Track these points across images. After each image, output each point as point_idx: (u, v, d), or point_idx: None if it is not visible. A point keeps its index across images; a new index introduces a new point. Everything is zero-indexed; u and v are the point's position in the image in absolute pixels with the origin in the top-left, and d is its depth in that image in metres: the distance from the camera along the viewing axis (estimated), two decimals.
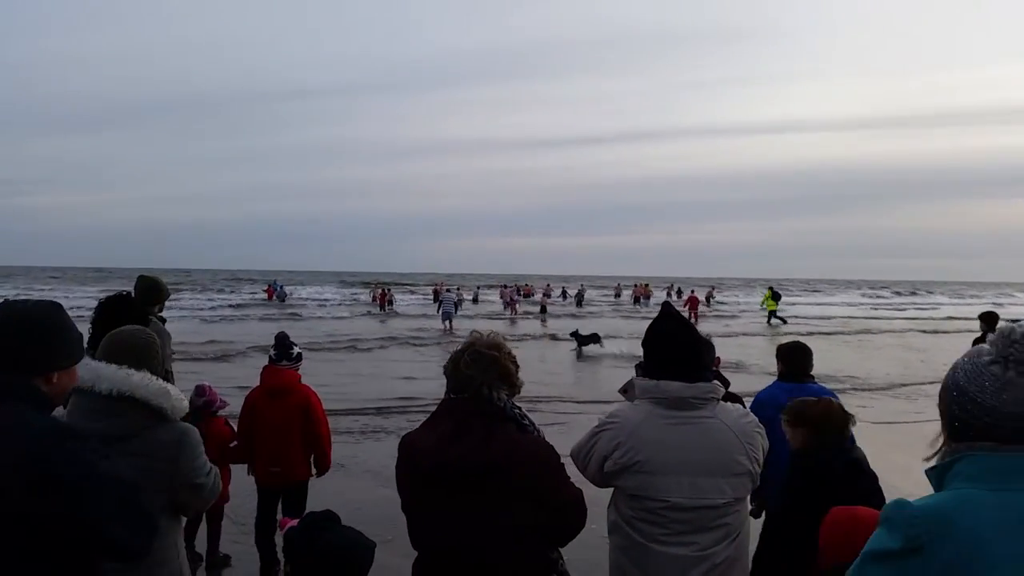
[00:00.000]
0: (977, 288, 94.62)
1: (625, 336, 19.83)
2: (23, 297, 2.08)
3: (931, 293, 74.67)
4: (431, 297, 39.34)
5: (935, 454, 1.31)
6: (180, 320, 23.72)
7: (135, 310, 3.85)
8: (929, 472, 1.31)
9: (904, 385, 13.17)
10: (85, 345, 3.72)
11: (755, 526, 2.70)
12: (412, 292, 50.09)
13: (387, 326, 25.46)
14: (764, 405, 3.68)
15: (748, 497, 2.33)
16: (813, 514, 2.30)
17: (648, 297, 45.31)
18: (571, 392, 11.72)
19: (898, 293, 72.78)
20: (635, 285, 51.86)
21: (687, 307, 31.13)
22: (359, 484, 6.49)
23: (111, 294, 4.06)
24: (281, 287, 44.52)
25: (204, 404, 4.60)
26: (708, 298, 47.52)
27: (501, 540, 2.00)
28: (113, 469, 1.67)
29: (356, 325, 25.38)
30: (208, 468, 2.36)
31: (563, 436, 2.54)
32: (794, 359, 4.05)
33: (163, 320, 4.46)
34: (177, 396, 2.30)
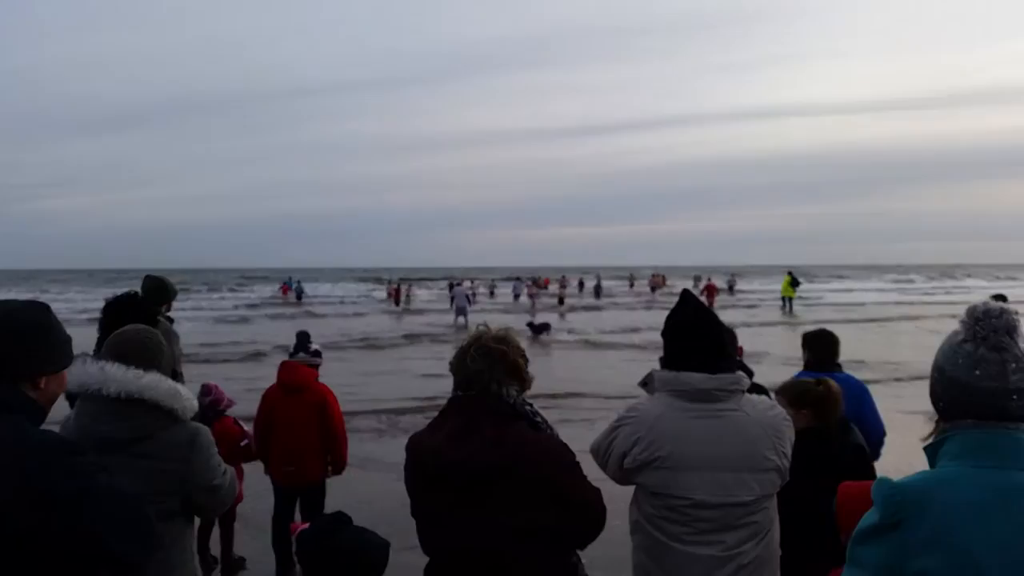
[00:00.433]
0: (1011, 270, 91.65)
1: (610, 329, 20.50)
2: (39, 299, 2.02)
3: (969, 276, 72.27)
4: (447, 291, 39.45)
5: (930, 434, 1.36)
6: (195, 321, 23.96)
7: (143, 310, 3.80)
8: (925, 451, 1.35)
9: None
10: (94, 346, 3.73)
11: None
12: (429, 288, 50.09)
13: (403, 323, 25.45)
14: None
15: (775, 494, 2.21)
16: (818, 500, 2.28)
17: (660, 287, 45.24)
18: (595, 388, 11.48)
19: (931, 278, 70.73)
20: (652, 275, 51.69)
21: (705, 295, 30.71)
22: (379, 483, 6.43)
23: (118, 294, 4.02)
24: (298, 283, 44.26)
25: (210, 403, 4.55)
26: (731, 286, 47.14)
27: (515, 543, 1.90)
28: (113, 483, 1.65)
29: (372, 322, 25.39)
30: (223, 468, 2.31)
31: (592, 433, 2.45)
32: (821, 347, 3.93)
33: (171, 320, 4.41)
34: (187, 396, 2.25)
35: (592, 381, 12.10)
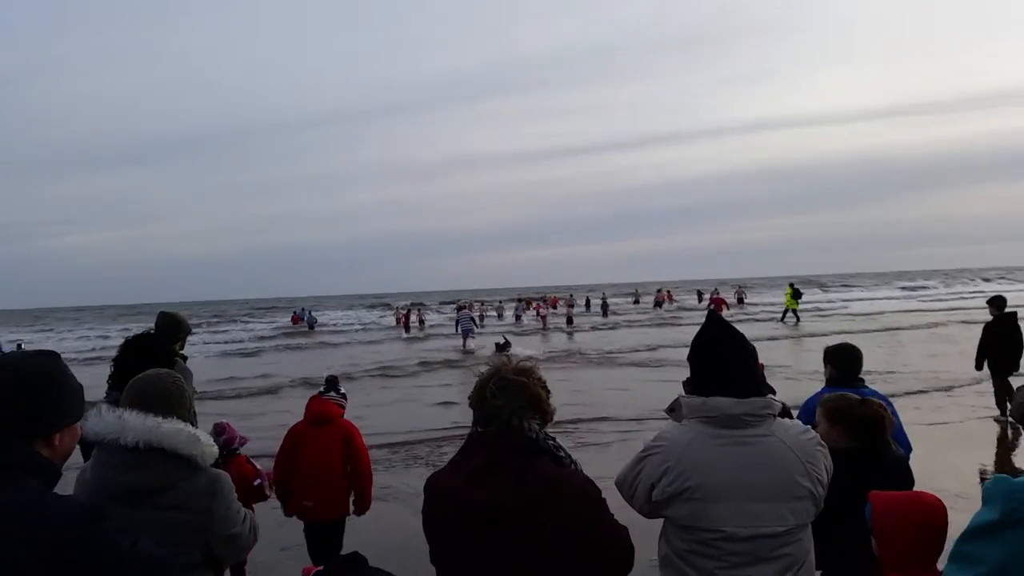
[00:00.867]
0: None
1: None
2: (49, 338, 1.97)
3: (987, 280, 70.82)
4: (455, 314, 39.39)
5: None
6: (209, 356, 23.83)
7: (162, 350, 3.76)
8: None
9: (955, 387, 12.21)
10: (108, 385, 3.69)
11: None
12: (439, 312, 49.99)
13: (414, 349, 25.30)
14: (814, 414, 3.44)
15: (810, 524, 2.12)
16: (858, 516, 2.24)
17: (665, 303, 45.12)
18: (617, 412, 11.22)
19: (945, 283, 69.38)
20: (657, 291, 51.48)
21: (711, 308, 30.49)
22: (396, 515, 6.33)
23: (138, 332, 4.00)
24: (310, 313, 44.27)
25: (224, 443, 4.48)
26: (740, 299, 46.82)
27: None
28: (139, 547, 1.60)
29: (384, 350, 25.22)
30: (243, 515, 2.25)
31: (605, 456, 2.36)
32: (844, 361, 3.80)
33: (184, 358, 4.37)
34: (207, 442, 2.19)
35: (616, 404, 11.88)
